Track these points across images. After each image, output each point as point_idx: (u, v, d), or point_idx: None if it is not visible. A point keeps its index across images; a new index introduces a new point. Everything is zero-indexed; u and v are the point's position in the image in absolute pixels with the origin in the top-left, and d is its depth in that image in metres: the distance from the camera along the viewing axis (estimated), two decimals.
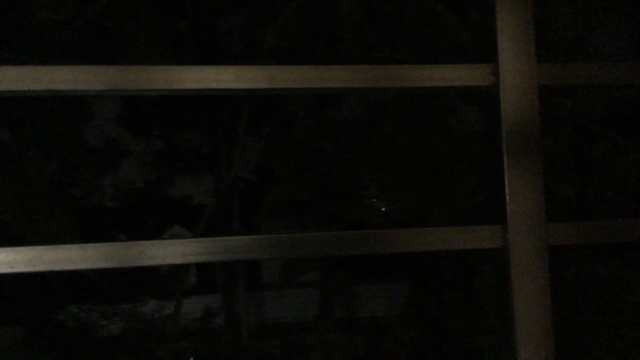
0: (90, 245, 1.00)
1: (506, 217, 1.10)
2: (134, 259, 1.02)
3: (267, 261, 13.21)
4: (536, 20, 1.12)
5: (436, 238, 1.12)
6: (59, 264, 0.98)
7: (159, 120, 11.53)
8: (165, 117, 11.47)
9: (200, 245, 1.04)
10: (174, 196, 12.68)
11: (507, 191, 1.10)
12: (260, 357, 11.33)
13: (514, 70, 1.11)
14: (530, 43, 1.11)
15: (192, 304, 12.61)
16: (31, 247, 0.98)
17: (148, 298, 11.26)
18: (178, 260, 1.03)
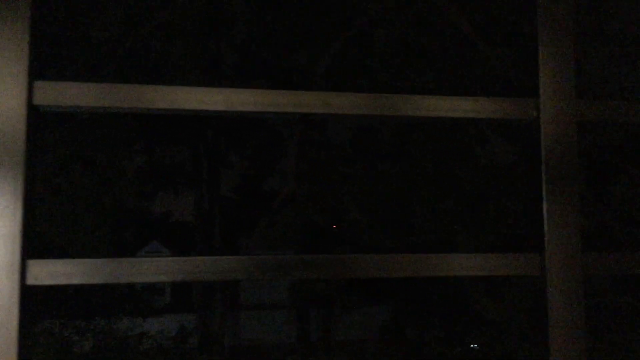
0: (74, 261, 0.99)
1: (544, 246, 1.14)
2: (114, 276, 1.00)
3: (244, 281, 13.10)
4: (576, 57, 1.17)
5: (475, 264, 1.15)
6: (48, 279, 0.96)
7: (142, 135, 11.47)
8: (148, 132, 11.41)
9: (174, 265, 1.02)
10: (154, 212, 12.55)
11: (545, 220, 1.14)
12: None
13: (554, 105, 1.16)
14: (570, 79, 1.16)
15: (167, 323, 12.42)
16: None
17: (122, 315, 11.07)
18: (155, 278, 1.01)
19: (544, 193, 1.15)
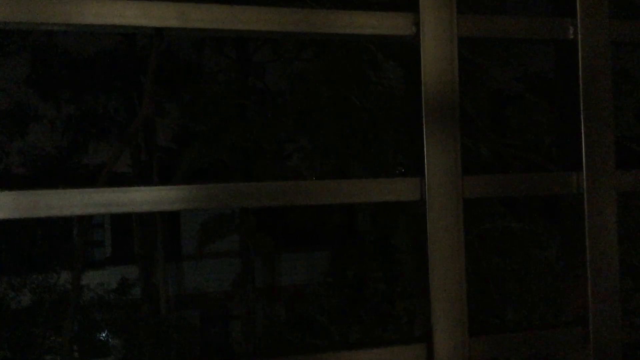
0: None
1: (424, 171, 1.09)
2: (32, 209, 0.94)
3: (186, 231, 12.97)
4: None
5: (356, 190, 1.10)
6: None
7: (71, 82, 10.95)
8: (77, 79, 10.90)
9: (102, 196, 0.96)
10: (87, 164, 12.15)
11: (425, 145, 1.09)
12: (179, 328, 11.18)
13: (434, 20, 1.09)
14: None
15: (108, 275, 12.22)
16: None
17: (59, 269, 10.82)
18: (77, 211, 0.95)
19: (423, 116, 1.09)
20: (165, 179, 11.76)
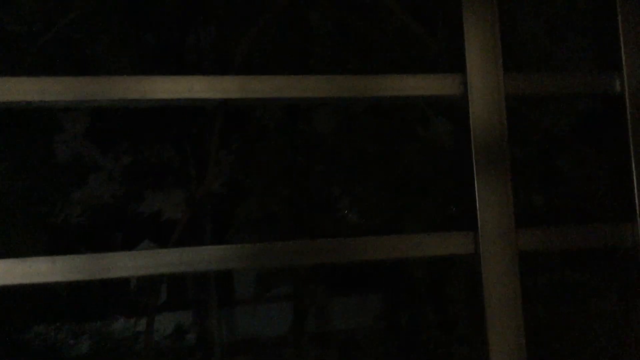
0: (59, 257, 0.99)
1: (477, 224, 1.12)
2: (103, 270, 1.01)
3: (239, 275, 13.09)
4: (503, 31, 1.15)
5: (409, 245, 1.13)
6: (28, 277, 0.96)
7: (128, 134, 11.40)
8: (134, 131, 11.34)
9: (169, 256, 1.03)
10: (143, 212, 12.50)
11: (477, 198, 1.12)
12: None
13: (481, 80, 1.13)
14: (497, 53, 1.14)
15: (163, 321, 12.40)
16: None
17: (118, 316, 11.05)
18: (149, 271, 1.02)
19: (474, 172, 1.13)
20: (218, 226, 11.97)
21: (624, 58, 1.18)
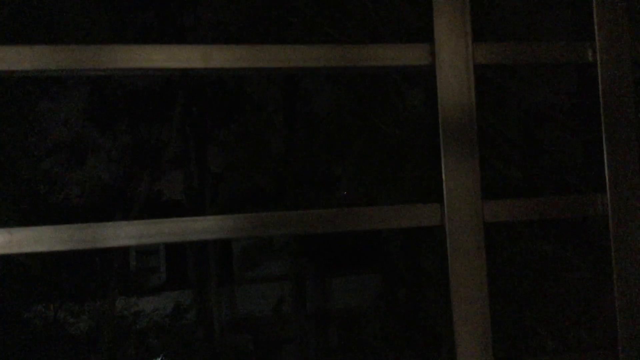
0: (62, 227, 0.98)
1: (443, 196, 1.11)
2: (104, 239, 1.00)
3: (238, 256, 13.14)
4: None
5: (375, 217, 1.12)
6: (31, 246, 0.96)
7: (126, 114, 11.38)
8: (132, 111, 11.31)
9: (168, 225, 1.02)
10: (142, 191, 12.49)
11: (443, 170, 1.11)
12: (233, 353, 11.29)
13: (449, 50, 1.11)
14: (466, 22, 1.12)
15: (163, 301, 12.47)
16: None
17: (117, 295, 11.11)
18: (147, 240, 1.01)
19: (441, 142, 1.12)
20: (216, 206, 11.99)
21: (596, 27, 1.16)
